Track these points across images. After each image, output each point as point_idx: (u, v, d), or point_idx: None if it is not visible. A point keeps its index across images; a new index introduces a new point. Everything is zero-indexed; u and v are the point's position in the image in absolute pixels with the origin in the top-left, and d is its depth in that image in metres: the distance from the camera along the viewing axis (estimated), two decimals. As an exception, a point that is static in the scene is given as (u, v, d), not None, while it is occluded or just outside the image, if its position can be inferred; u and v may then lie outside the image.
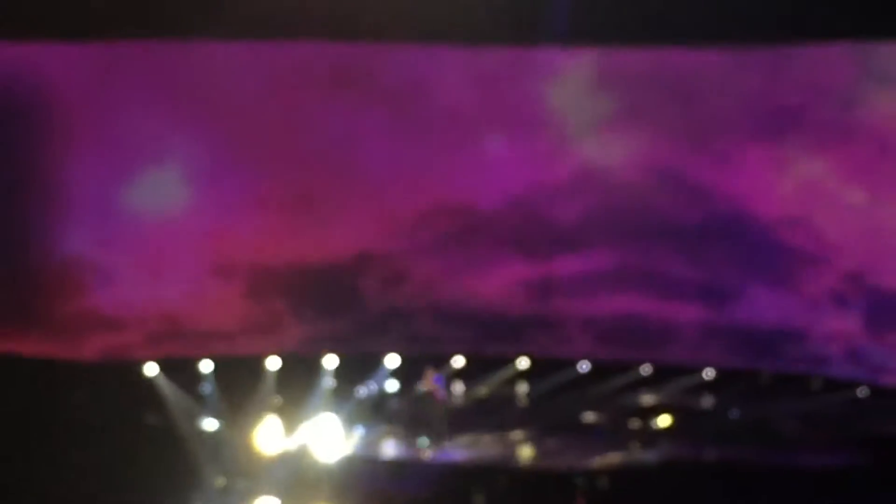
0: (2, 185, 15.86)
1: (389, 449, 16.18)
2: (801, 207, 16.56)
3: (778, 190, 16.64)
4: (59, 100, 15.80)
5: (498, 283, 17.10)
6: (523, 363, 17.62)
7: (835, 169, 16.38)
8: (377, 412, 17.14)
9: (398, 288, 17.05)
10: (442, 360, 17.50)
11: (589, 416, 17.48)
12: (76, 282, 16.45)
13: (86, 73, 15.76)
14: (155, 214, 16.43)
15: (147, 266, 16.61)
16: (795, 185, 16.54)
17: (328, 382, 17.05)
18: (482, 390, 17.87)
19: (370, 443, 16.21)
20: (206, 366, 16.85)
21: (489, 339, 17.34)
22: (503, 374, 17.79)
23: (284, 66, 15.97)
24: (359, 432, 16.23)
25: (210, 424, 16.11)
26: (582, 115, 16.49)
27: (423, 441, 16.06)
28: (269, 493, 14.09)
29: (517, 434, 16.96)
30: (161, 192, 16.29)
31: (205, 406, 16.50)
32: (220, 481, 14.43)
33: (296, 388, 16.69)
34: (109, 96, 15.87)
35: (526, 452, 15.24)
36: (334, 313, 17.09)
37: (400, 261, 16.93)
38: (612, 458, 15.71)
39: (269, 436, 15.50)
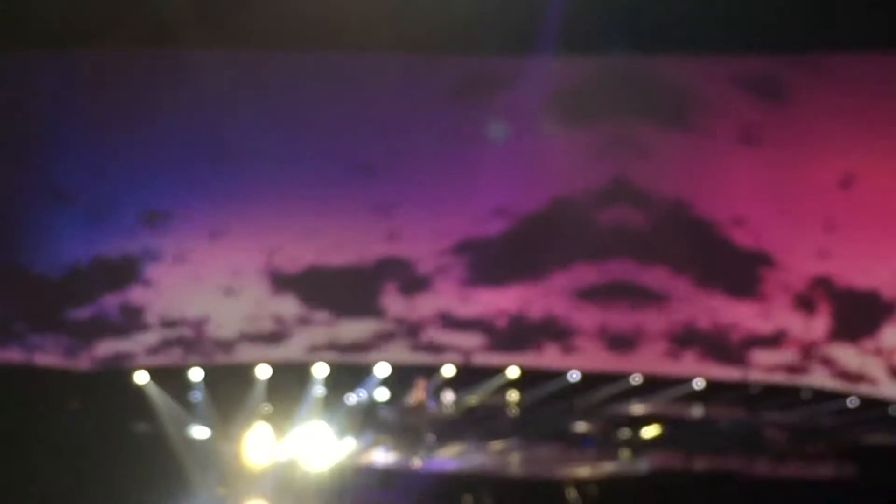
0: (12, 189, 15.95)
1: (379, 458, 16.16)
2: (746, 207, 16.63)
3: (717, 189, 16.70)
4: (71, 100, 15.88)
5: (513, 294, 17.20)
6: (513, 373, 17.60)
7: (772, 164, 16.45)
8: (367, 421, 17.10)
9: (417, 294, 17.15)
10: (432, 370, 17.47)
11: (579, 426, 17.46)
12: (85, 288, 16.47)
13: (114, 73, 15.80)
14: (170, 219, 16.49)
15: (161, 272, 16.67)
16: (734, 184, 16.60)
17: (318, 391, 17.02)
18: (472, 400, 17.83)
19: (360, 452, 16.19)
20: (196, 374, 16.82)
21: (499, 349, 17.43)
22: (493, 383, 17.77)
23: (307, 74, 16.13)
24: (349, 442, 16.20)
25: (200, 432, 16.08)
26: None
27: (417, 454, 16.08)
28: (258, 501, 14.09)
29: (507, 443, 16.96)
30: (178, 196, 16.36)
31: (195, 414, 16.48)
32: (220, 490, 14.42)
33: (286, 397, 16.65)
34: (122, 99, 15.95)
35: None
36: (350, 318, 17.16)
37: (423, 266, 17.04)
38: (602, 467, 15.71)
39: (259, 444, 15.49)
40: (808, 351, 16.74)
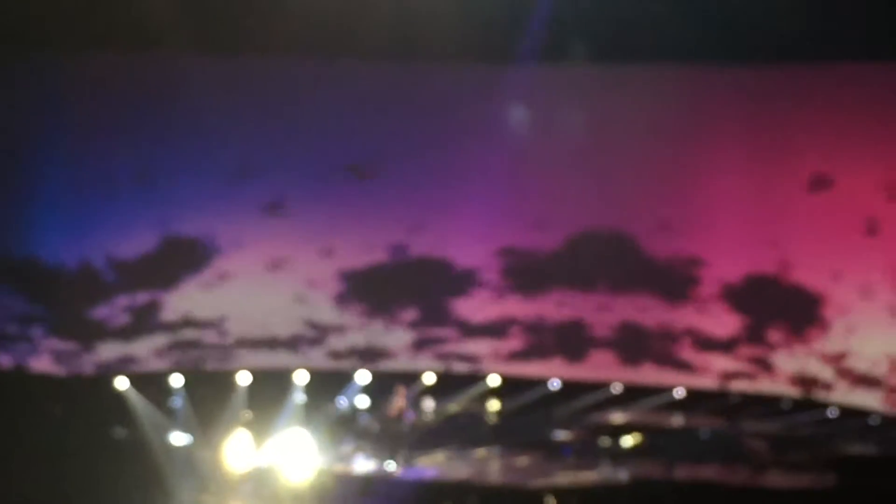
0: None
1: (359, 465, 16.13)
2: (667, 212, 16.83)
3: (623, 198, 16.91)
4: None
5: (541, 305, 17.29)
6: (494, 380, 17.61)
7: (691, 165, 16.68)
8: (348, 428, 17.08)
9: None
10: (412, 377, 17.48)
11: (559, 434, 17.47)
12: (97, 287, 16.47)
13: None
14: (190, 222, 16.55)
15: (187, 273, 16.71)
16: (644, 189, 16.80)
17: (299, 398, 17.00)
18: (452, 407, 17.83)
19: (340, 459, 16.16)
20: (176, 380, 16.78)
21: (517, 360, 17.49)
22: (473, 391, 17.77)
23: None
24: (329, 449, 16.18)
25: (180, 438, 16.04)
26: None
27: (390, 462, 16.02)
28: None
29: (487, 451, 16.95)
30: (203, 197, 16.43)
31: (175, 420, 16.44)
32: (200, 496, 14.37)
33: (266, 403, 16.63)
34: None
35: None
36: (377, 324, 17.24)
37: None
38: (583, 476, 15.71)
39: (239, 450, 15.45)
40: (760, 357, 16.92)
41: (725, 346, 17.11)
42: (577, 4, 14.27)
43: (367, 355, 17.33)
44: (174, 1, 14.15)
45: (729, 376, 17.16)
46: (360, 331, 17.27)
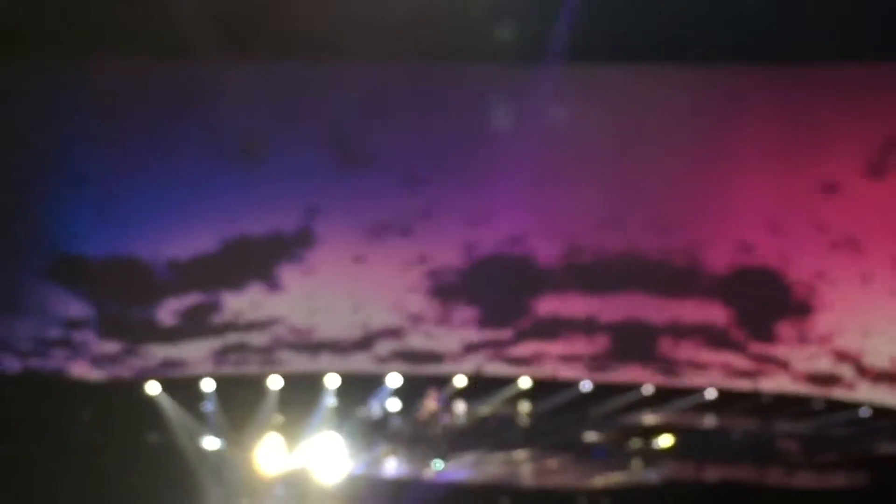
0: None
1: (391, 468, 16.17)
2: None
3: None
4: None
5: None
6: (525, 383, 17.61)
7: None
8: (379, 432, 17.10)
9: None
10: (444, 380, 17.49)
11: (591, 436, 17.45)
12: (148, 287, 16.57)
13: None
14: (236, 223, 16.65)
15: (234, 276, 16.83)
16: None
17: (330, 401, 17.03)
18: (484, 409, 17.83)
19: (372, 462, 16.19)
20: (207, 384, 16.84)
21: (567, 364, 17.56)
22: (505, 393, 17.77)
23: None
24: (360, 453, 16.19)
25: (212, 443, 16.10)
26: None
27: (438, 462, 16.06)
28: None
29: (519, 454, 16.95)
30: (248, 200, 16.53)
31: (206, 425, 16.49)
32: (231, 503, 14.44)
33: (298, 407, 16.67)
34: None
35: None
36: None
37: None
38: (614, 477, 15.70)
39: (270, 454, 15.49)
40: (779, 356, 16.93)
41: (739, 344, 17.11)
42: (604, 4, 14.26)
43: (414, 358, 17.32)
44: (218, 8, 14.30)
45: (745, 374, 17.14)
46: (411, 334, 17.30)
